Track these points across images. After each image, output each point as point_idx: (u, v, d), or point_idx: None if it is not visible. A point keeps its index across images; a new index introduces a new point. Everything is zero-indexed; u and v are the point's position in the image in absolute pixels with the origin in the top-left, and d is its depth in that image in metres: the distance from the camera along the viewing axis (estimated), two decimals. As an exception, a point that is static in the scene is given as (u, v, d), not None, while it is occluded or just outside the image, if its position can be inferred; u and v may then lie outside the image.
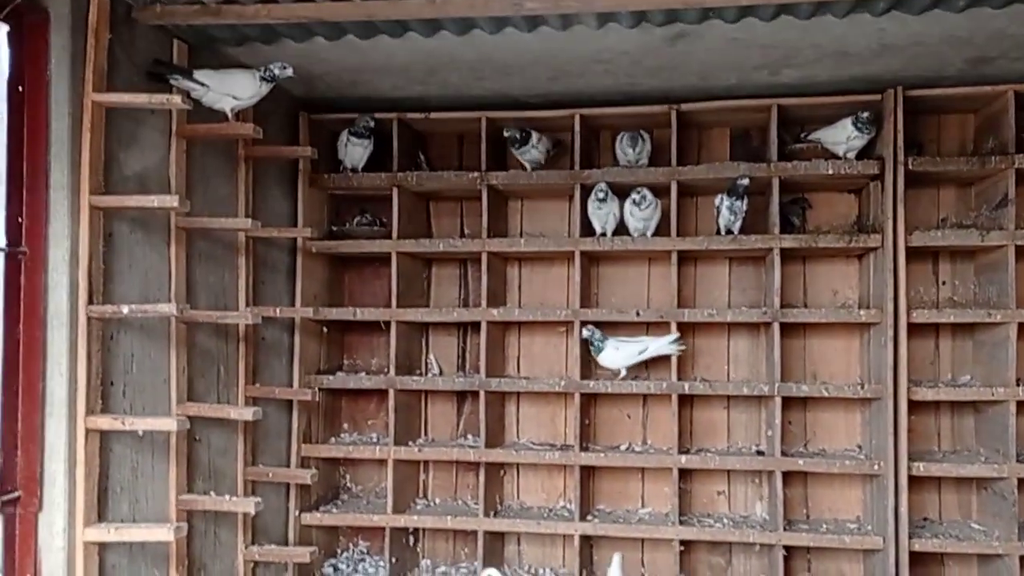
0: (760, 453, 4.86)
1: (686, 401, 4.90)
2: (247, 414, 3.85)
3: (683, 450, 4.78)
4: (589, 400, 5.00)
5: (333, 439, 5.20)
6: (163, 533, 3.39)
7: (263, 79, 3.86)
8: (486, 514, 4.83)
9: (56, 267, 3.19)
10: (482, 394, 4.82)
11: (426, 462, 5.26)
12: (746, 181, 4.55)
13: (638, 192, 4.60)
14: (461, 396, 5.26)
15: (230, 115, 3.85)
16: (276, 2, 3.52)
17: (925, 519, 4.79)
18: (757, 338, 5.02)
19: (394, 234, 4.88)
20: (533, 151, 4.79)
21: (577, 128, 4.77)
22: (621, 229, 4.79)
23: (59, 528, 3.15)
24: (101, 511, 3.32)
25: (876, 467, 4.51)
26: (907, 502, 4.41)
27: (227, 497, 3.96)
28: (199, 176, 3.98)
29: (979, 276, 4.81)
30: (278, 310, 4.51)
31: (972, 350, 4.83)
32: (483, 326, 4.82)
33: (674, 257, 4.71)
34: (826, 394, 4.63)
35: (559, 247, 4.84)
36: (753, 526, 4.77)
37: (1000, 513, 4.48)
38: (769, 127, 4.66)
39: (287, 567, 4.74)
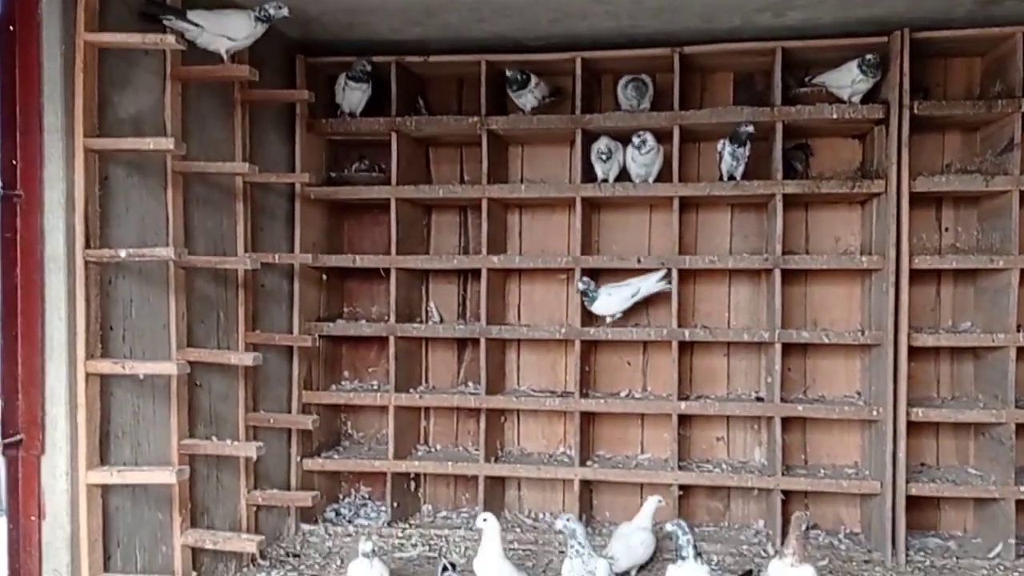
0: (759, 399, 4.88)
1: (686, 348, 4.90)
2: (247, 359, 3.85)
3: (683, 396, 4.79)
4: (589, 347, 5.00)
5: (334, 386, 5.22)
6: (165, 476, 3.41)
7: (258, 19, 3.79)
8: (487, 460, 4.87)
9: (52, 210, 3.17)
10: (482, 341, 4.83)
11: (427, 409, 5.28)
12: (750, 128, 4.50)
13: (638, 136, 4.54)
14: (461, 344, 5.26)
15: (225, 57, 3.79)
16: (270, -62, 3.44)
17: (923, 464, 4.83)
18: (758, 285, 5.00)
19: (393, 180, 4.83)
20: (529, 96, 4.72)
21: (578, 72, 4.70)
22: (622, 175, 4.75)
23: (62, 471, 3.17)
24: (103, 454, 3.33)
25: (875, 413, 4.52)
26: (905, 447, 4.44)
27: (229, 442, 3.99)
28: (195, 120, 3.92)
29: (982, 222, 4.78)
30: (277, 256, 4.48)
31: (973, 297, 4.82)
32: (483, 273, 4.81)
33: (676, 203, 4.67)
34: (826, 341, 4.62)
35: (560, 193, 4.80)
36: (751, 471, 4.81)
37: (997, 458, 4.51)
38: (773, 71, 4.59)
39: (289, 511, 4.79)
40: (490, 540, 3.60)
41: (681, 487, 4.73)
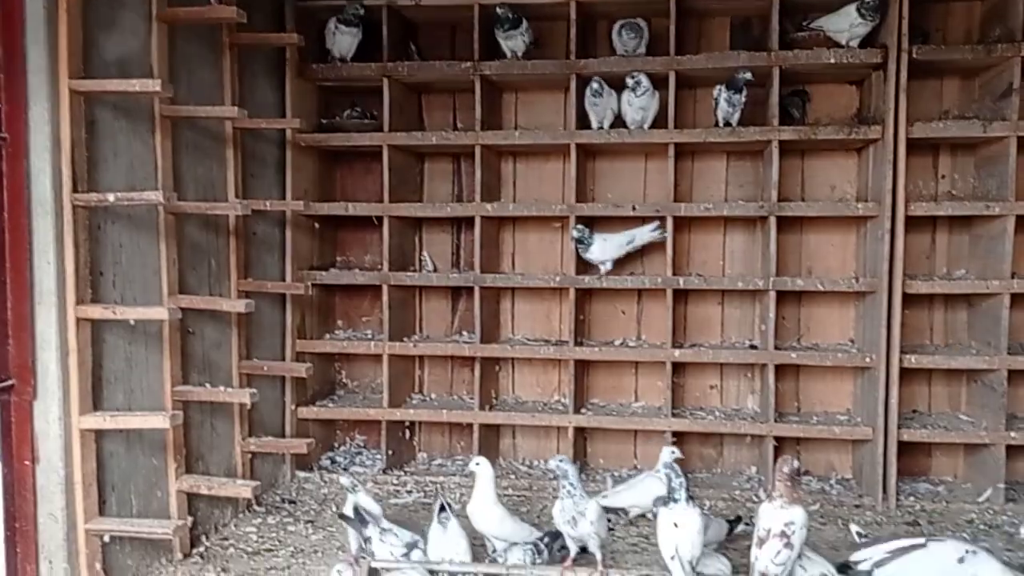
0: (753, 347, 4.89)
1: (680, 296, 4.89)
2: (239, 306, 3.84)
3: (677, 345, 4.79)
4: (584, 296, 4.99)
5: (327, 335, 5.21)
6: (159, 421, 3.41)
7: (246, -41, 3.71)
8: (481, 408, 4.88)
9: (38, 154, 3.12)
10: (476, 290, 4.81)
11: (421, 358, 5.28)
12: (747, 74, 4.45)
13: (633, 78, 4.49)
14: (456, 293, 5.25)
15: (212, -1, 3.71)
16: None
17: (915, 411, 4.85)
18: (753, 234, 4.97)
19: (385, 127, 4.78)
20: (519, 39, 4.65)
21: (572, 16, 4.62)
22: (618, 123, 4.70)
23: (54, 416, 3.17)
24: (96, 400, 3.32)
25: (868, 360, 4.53)
26: (897, 394, 4.47)
27: (222, 388, 3.98)
28: (182, 64, 3.86)
29: (979, 170, 4.75)
30: (268, 203, 4.44)
31: (968, 244, 4.81)
32: (477, 221, 4.77)
33: (671, 150, 4.63)
34: (820, 288, 4.62)
35: (555, 140, 4.75)
36: (744, 418, 4.84)
37: (988, 404, 4.54)
38: (770, 15, 4.52)
39: (285, 459, 4.82)
40: (483, 484, 3.60)
41: (674, 434, 4.75)
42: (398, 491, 4.76)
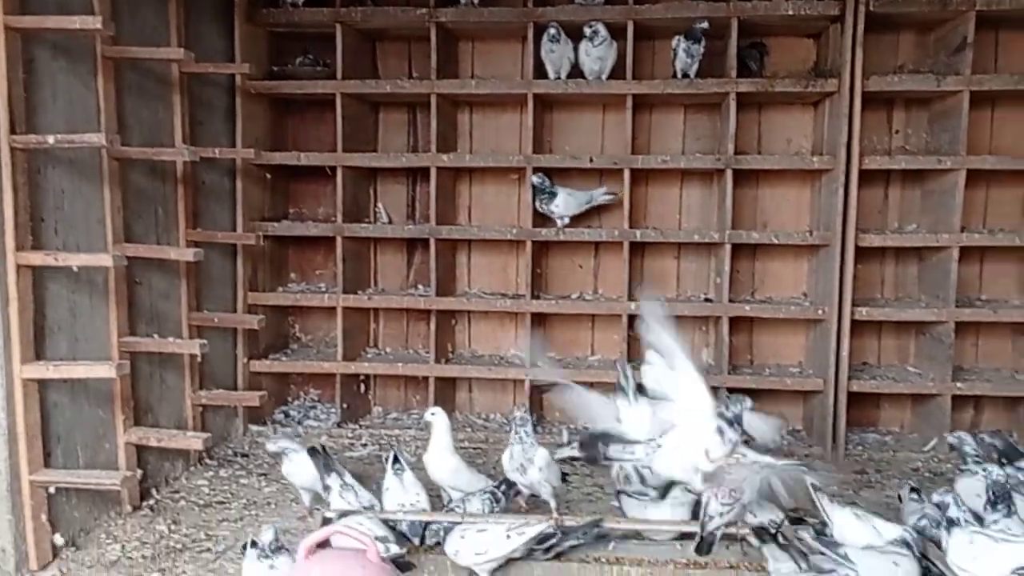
0: (708, 300, 4.91)
1: (637, 250, 4.89)
2: (188, 255, 3.74)
3: (633, 298, 4.80)
4: (541, 249, 4.96)
5: (280, 288, 5.12)
6: (105, 370, 3.32)
7: None
8: (437, 361, 4.86)
9: (-28, 93, 2.98)
10: (432, 242, 4.76)
11: (376, 311, 5.23)
12: (705, 24, 4.42)
13: (590, 27, 4.43)
14: (411, 246, 5.19)
15: (156, -66, 3.56)
16: None
17: (865, 363, 4.94)
18: (710, 188, 4.98)
19: (338, 74, 4.67)
20: None
21: (531, -38, 4.54)
22: (575, 74, 4.64)
23: (-5, 365, 3.07)
24: (39, 349, 3.22)
25: (820, 312, 4.59)
26: (848, 346, 4.53)
27: (171, 339, 3.90)
28: (125, 3, 3.70)
29: (932, 124, 4.79)
30: (218, 151, 4.33)
31: (920, 199, 4.87)
32: (433, 172, 4.70)
33: (629, 101, 4.60)
34: (776, 241, 4.65)
35: (511, 89, 4.69)
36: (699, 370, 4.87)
37: (936, 356, 4.63)
38: (730, -35, 4.48)
39: (237, 412, 4.75)
40: (439, 434, 3.58)
41: (629, 386, 4.77)
42: (353, 444, 4.72)
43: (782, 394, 4.92)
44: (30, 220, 3.17)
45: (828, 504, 3.21)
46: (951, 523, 2.91)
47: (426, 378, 4.88)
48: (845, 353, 4.52)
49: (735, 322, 4.76)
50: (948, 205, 4.47)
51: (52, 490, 3.25)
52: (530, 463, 3.29)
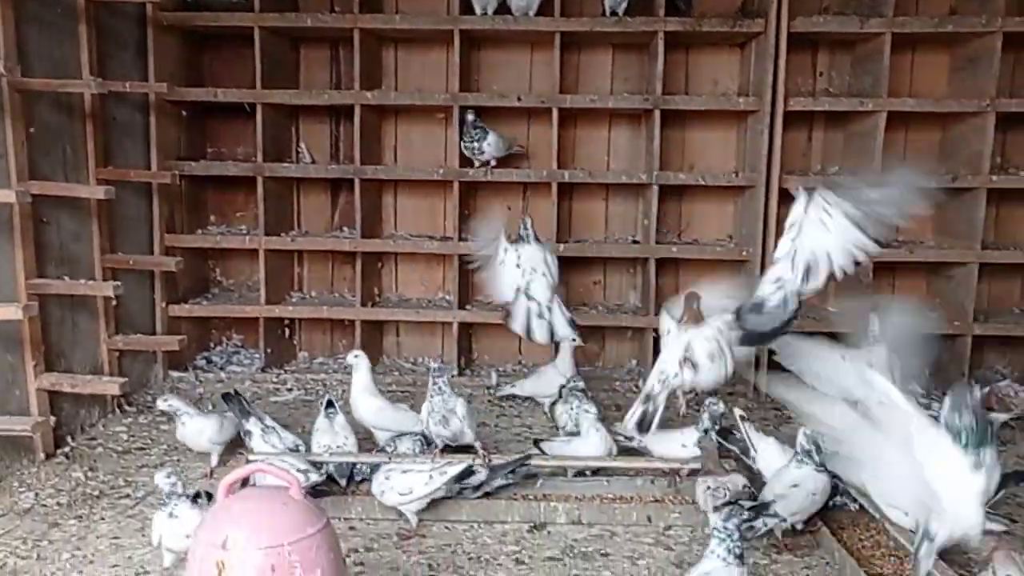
0: (636, 242, 4.93)
1: (566, 191, 4.86)
2: (98, 192, 3.58)
3: (562, 240, 4.79)
4: (469, 190, 4.89)
5: (200, 231, 4.96)
6: (12, 312, 3.18)
7: None
8: (363, 304, 4.78)
9: None
10: (357, 183, 4.65)
11: (300, 254, 5.11)
12: (634, -40, 4.36)
13: (518, -39, 4.34)
14: (336, 187, 5.06)
15: None
16: None
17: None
18: (638, 129, 4.97)
19: (256, 6, 4.48)
20: None
21: None
22: (503, 10, 4.55)
23: None
24: (-62, 291, 3.06)
25: (744, 253, 4.65)
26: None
27: (83, 281, 3.74)
28: (21, -76, 3.47)
29: (855, 67, 4.85)
30: (128, 84, 4.12)
31: (843, 142, 4.94)
32: (357, 111, 4.58)
33: (557, 39, 4.53)
34: (702, 183, 4.68)
35: (437, 25, 4.57)
36: (627, 312, 4.92)
37: (855, 295, 4.73)
38: (660, -100, 4.42)
39: (156, 358, 4.61)
40: (360, 376, 3.60)
41: (558, 328, 4.79)
42: (278, 389, 4.64)
43: (707, 334, 4.99)
44: (-77, 154, 2.99)
45: (754, 433, 3.31)
46: None
47: (352, 322, 4.81)
48: (771, 299, 4.59)
49: (662, 264, 4.79)
50: (869, 148, 4.54)
51: (-43, 437, 3.11)
52: (452, 414, 3.27)
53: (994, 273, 4.83)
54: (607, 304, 5.10)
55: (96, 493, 3.31)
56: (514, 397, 4.54)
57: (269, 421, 3.44)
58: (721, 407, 3.45)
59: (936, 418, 2.67)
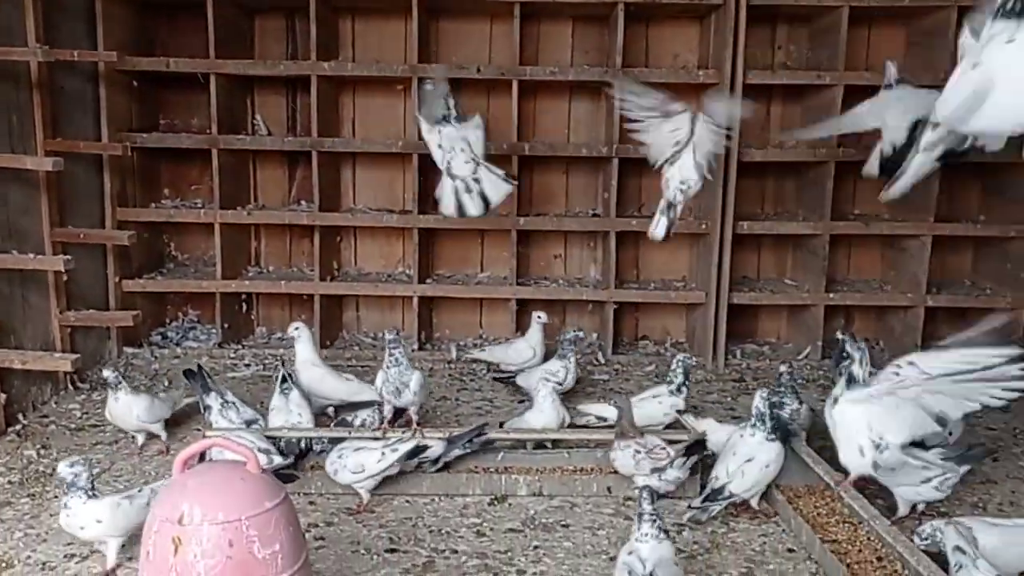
0: (596, 216, 4.93)
1: (526, 164, 4.83)
2: (46, 164, 3.49)
3: (522, 213, 4.77)
4: (428, 163, 4.81)
5: (153, 204, 4.86)
6: (-44, 288, 3.09)
7: None
8: (322, 279, 4.74)
9: None
10: (314, 155, 4.59)
11: (257, 228, 5.04)
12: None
13: (478, -72, 4.28)
14: (293, 159, 4.99)
15: None
16: None
17: (744, 277, 5.09)
18: (598, 102, 4.95)
19: (208, -28, 4.38)
20: None
21: None
22: (462, -21, 4.50)
23: None
24: None
25: (703, 226, 4.67)
26: (730, 260, 4.64)
27: (31, 256, 3.65)
28: None
29: (813, 41, 4.88)
30: (76, 53, 3.99)
31: (800, 115, 4.96)
32: (313, 81, 4.50)
33: (517, 10, 4.50)
34: (662, 155, 4.67)
35: (395, -9, 4.50)
36: (587, 285, 4.93)
37: (811, 268, 4.81)
38: None
39: (110, 334, 4.53)
40: (302, 347, 3.65)
41: (519, 302, 4.80)
42: (235, 365, 4.59)
43: (666, 307, 5.05)
44: None
45: (692, 420, 3.43)
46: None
47: (311, 296, 4.76)
48: (727, 267, 4.64)
49: (622, 237, 4.80)
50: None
51: (-98, 416, 3.03)
52: (405, 387, 3.26)
53: (945, 245, 4.91)
54: (568, 278, 5.10)
55: (49, 471, 3.26)
56: (475, 371, 4.55)
57: (230, 396, 3.42)
58: (693, 359, 3.71)
59: None
